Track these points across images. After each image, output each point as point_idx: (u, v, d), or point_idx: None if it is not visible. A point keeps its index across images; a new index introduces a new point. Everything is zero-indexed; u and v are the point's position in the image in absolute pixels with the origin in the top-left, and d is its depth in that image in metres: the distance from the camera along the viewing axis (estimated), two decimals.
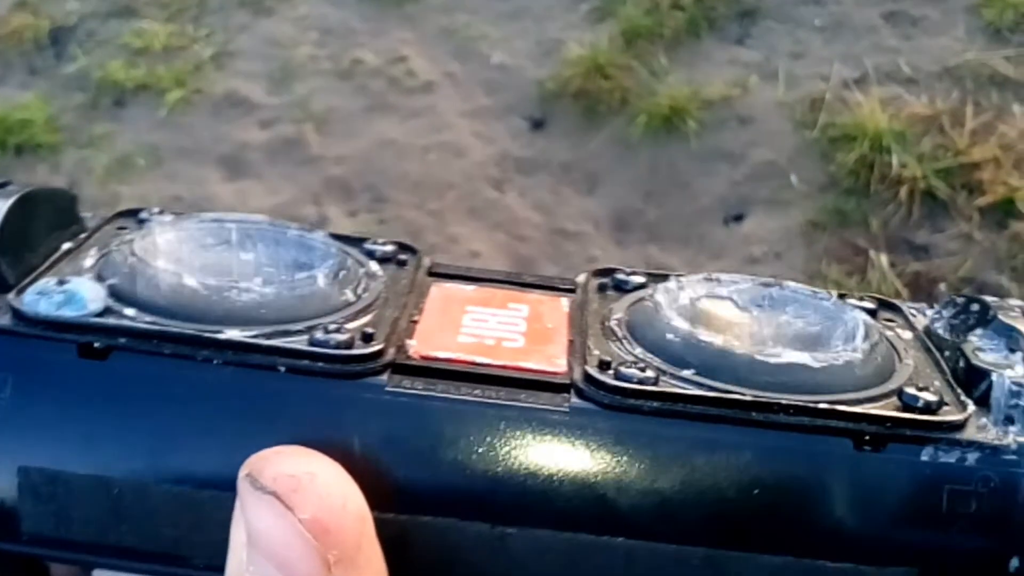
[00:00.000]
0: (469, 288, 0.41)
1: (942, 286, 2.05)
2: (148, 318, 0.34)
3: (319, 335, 0.34)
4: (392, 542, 0.32)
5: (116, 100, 2.74)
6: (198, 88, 2.74)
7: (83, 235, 0.41)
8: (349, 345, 0.34)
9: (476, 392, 0.34)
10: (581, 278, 0.42)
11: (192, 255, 0.38)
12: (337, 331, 0.35)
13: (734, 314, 0.39)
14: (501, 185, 2.45)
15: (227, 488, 0.32)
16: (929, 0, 2.59)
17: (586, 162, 2.46)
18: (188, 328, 0.34)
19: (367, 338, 0.35)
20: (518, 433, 0.33)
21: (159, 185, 2.47)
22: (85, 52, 2.89)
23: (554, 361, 0.36)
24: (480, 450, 0.33)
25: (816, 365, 0.35)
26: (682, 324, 0.36)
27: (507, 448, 0.33)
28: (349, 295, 0.38)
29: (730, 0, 2.69)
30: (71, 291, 0.35)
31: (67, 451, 0.34)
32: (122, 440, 0.34)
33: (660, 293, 0.38)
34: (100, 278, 0.36)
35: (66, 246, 0.40)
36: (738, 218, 2.28)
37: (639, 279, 0.42)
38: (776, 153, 2.35)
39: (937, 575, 0.34)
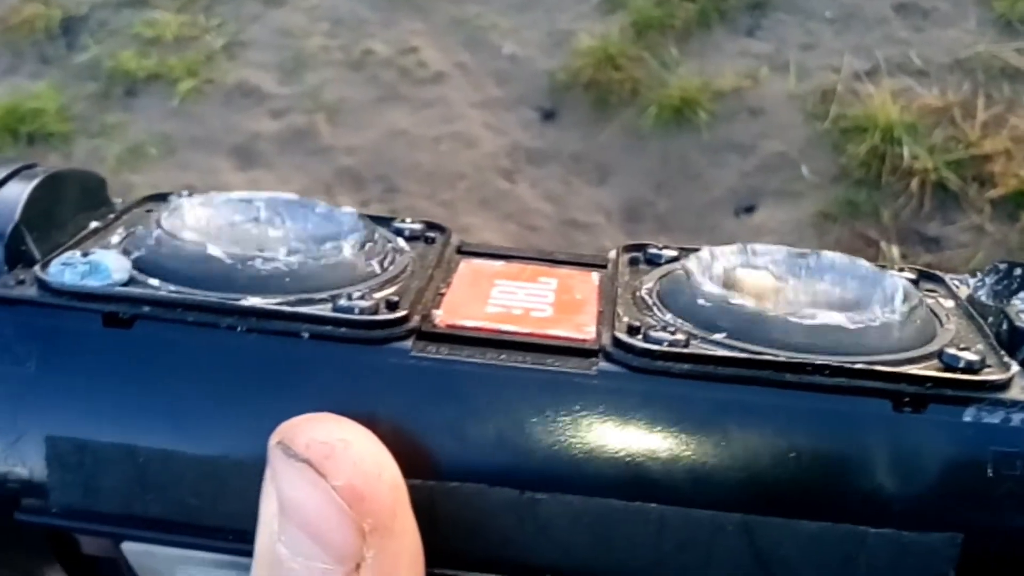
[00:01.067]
0: (498, 264, 0.41)
1: None
2: (172, 287, 0.34)
3: (343, 302, 0.34)
4: (420, 509, 0.31)
5: (128, 90, 2.74)
6: (210, 78, 2.74)
7: (111, 216, 0.41)
8: (374, 312, 0.34)
9: (502, 357, 0.34)
10: (612, 254, 0.42)
11: (219, 229, 0.38)
12: (362, 298, 0.35)
13: (770, 282, 0.38)
14: (512, 176, 2.45)
15: (252, 456, 0.32)
16: None
17: (597, 153, 2.46)
18: (211, 296, 0.34)
19: (392, 305, 0.35)
20: (546, 397, 0.33)
21: (171, 174, 2.47)
22: (97, 42, 2.89)
23: (583, 329, 0.35)
24: (507, 415, 0.33)
25: (852, 327, 0.34)
26: (714, 289, 0.36)
27: (535, 413, 0.33)
28: (375, 266, 0.37)
29: None
30: (95, 261, 0.35)
31: (93, 420, 0.34)
32: (147, 408, 0.33)
33: (692, 261, 0.38)
34: (125, 252, 0.36)
35: (93, 225, 0.40)
36: (749, 209, 2.28)
37: (671, 253, 0.41)
38: (787, 144, 2.35)
39: (982, 540, 0.32)
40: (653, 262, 0.41)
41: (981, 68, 2.40)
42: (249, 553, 0.31)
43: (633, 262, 0.41)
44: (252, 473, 0.31)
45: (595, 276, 0.40)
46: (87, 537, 0.36)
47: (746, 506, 0.32)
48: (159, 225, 0.37)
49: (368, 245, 0.38)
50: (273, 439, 0.30)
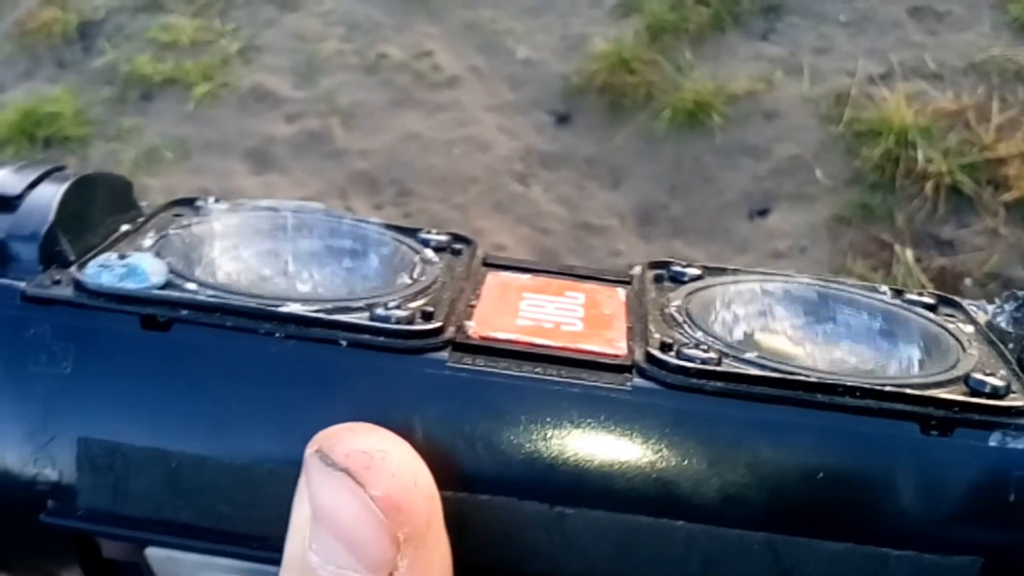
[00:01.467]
0: (524, 277, 0.41)
1: (967, 281, 2.05)
2: (209, 292, 0.34)
3: (380, 311, 0.34)
4: (450, 520, 0.31)
5: (144, 94, 2.76)
6: (225, 82, 2.76)
7: (140, 219, 0.41)
8: (410, 322, 0.34)
9: (537, 371, 0.34)
10: (636, 270, 0.42)
11: (249, 236, 0.39)
12: (397, 308, 0.35)
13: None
14: (526, 179, 2.46)
15: (287, 463, 0.32)
16: None
17: (611, 156, 2.46)
18: (249, 301, 0.34)
19: (427, 316, 0.35)
20: (579, 412, 0.33)
21: (186, 178, 2.48)
22: (113, 46, 2.91)
23: (614, 344, 0.35)
24: (540, 428, 0.33)
25: (883, 350, 0.35)
26: (744, 309, 0.36)
27: (567, 427, 0.33)
28: (406, 278, 0.38)
29: None
30: (133, 264, 0.35)
31: (127, 423, 0.33)
32: (182, 412, 0.33)
33: (720, 282, 0.38)
34: (159, 256, 0.36)
35: (124, 227, 0.40)
36: (763, 212, 2.28)
37: (695, 271, 0.41)
38: (801, 148, 2.35)
39: (1002, 565, 0.33)
40: (677, 279, 0.41)
41: (996, 71, 2.39)
42: (276, 561, 0.31)
43: (658, 279, 0.41)
44: (285, 480, 0.31)
45: (621, 292, 0.40)
46: (109, 541, 0.36)
47: (773, 525, 0.33)
48: (192, 234, 0.37)
49: (397, 257, 0.38)
50: (310, 447, 0.30)
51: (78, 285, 0.34)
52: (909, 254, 2.10)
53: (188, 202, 0.43)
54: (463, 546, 0.32)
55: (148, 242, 0.38)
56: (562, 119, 2.58)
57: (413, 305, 0.36)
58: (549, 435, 0.33)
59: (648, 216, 2.35)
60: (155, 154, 2.56)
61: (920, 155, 2.21)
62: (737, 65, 2.56)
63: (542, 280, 0.41)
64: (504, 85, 2.67)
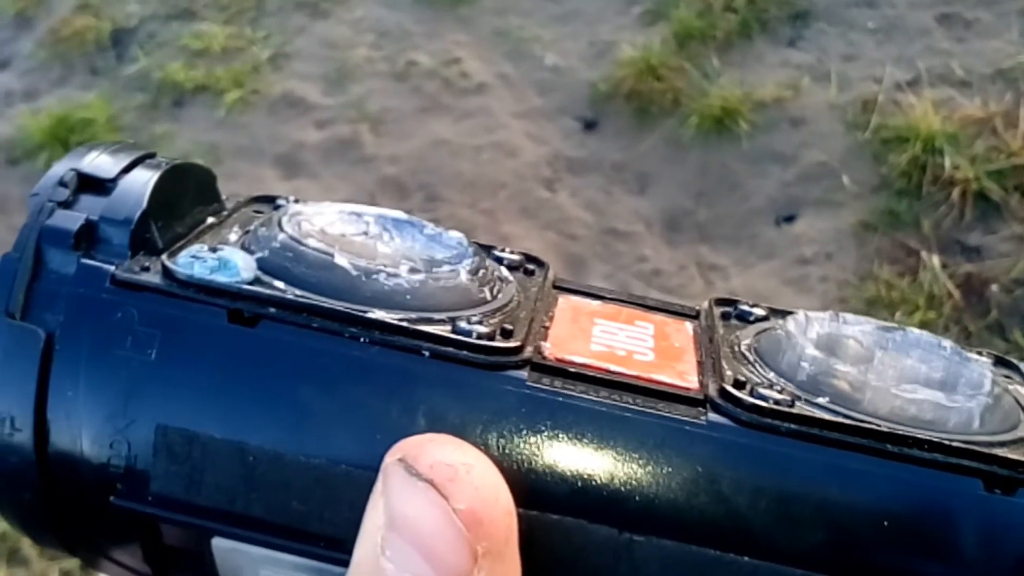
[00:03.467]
0: (595, 303, 0.41)
1: (994, 287, 2.04)
2: (297, 291, 0.35)
3: (462, 324, 0.35)
4: (520, 537, 0.31)
5: (176, 100, 2.79)
6: (256, 89, 2.79)
7: (224, 212, 0.42)
8: (491, 338, 0.35)
9: (614, 397, 0.34)
10: (704, 305, 0.42)
11: (335, 239, 0.38)
12: (479, 323, 0.35)
13: (861, 351, 0.38)
14: (553, 185, 2.47)
15: (363, 466, 0.32)
16: (982, 3, 2.58)
17: (637, 162, 2.47)
18: (337, 305, 0.34)
19: (506, 333, 0.35)
20: (653, 441, 0.33)
21: (218, 184, 2.50)
22: (146, 53, 2.94)
23: (685, 377, 0.36)
24: (614, 454, 0.33)
25: (949, 404, 0.35)
26: (817, 353, 0.36)
27: (641, 455, 0.33)
28: (486, 293, 0.38)
29: (782, 2, 2.69)
30: (225, 258, 0.35)
31: (207, 413, 0.34)
32: (263, 408, 0.33)
33: (791, 324, 0.38)
34: (248, 251, 0.37)
35: (210, 220, 0.41)
36: (789, 219, 2.29)
37: (761, 312, 0.42)
38: (828, 154, 2.35)
39: None
40: (744, 318, 0.42)
41: (1023, 78, 2.39)
42: (342, 562, 0.31)
43: (725, 316, 0.42)
44: (360, 483, 0.32)
45: (688, 326, 0.41)
46: (171, 528, 0.36)
47: (835, 568, 0.33)
48: (282, 229, 0.37)
49: (480, 272, 0.38)
50: (392, 455, 0.31)
51: (168, 273, 0.35)
52: (936, 260, 2.10)
53: (267, 199, 0.44)
54: (531, 564, 0.32)
55: (233, 236, 0.39)
56: (589, 125, 2.59)
57: (493, 321, 0.36)
58: (623, 461, 0.33)
59: (674, 222, 2.35)
60: (187, 160, 2.58)
61: (947, 162, 2.21)
62: (764, 72, 2.57)
63: (612, 307, 0.41)
64: (532, 91, 2.69)
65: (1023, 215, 2.14)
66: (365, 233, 0.39)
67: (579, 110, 2.62)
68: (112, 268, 0.35)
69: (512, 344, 0.35)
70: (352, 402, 0.33)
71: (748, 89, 2.51)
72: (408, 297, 0.35)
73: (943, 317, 2.02)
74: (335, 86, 2.77)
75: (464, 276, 0.37)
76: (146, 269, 0.35)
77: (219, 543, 0.35)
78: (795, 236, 2.25)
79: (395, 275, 0.36)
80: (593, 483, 0.33)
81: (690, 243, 2.31)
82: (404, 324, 0.34)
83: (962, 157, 2.22)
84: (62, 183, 0.37)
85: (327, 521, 0.33)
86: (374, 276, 0.36)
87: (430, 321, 0.35)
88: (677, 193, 2.39)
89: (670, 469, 0.33)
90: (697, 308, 0.43)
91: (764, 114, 2.46)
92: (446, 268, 0.37)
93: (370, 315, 0.34)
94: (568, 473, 0.33)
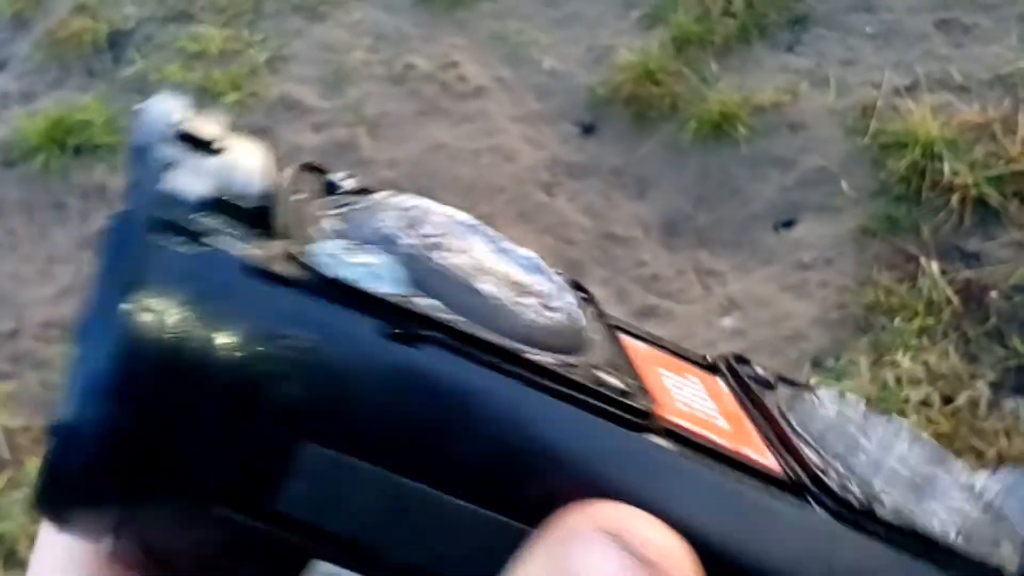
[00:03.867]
0: (640, 344, 0.38)
1: (993, 293, 2.04)
2: (450, 315, 0.30)
3: (602, 375, 0.32)
4: None
5: None
6: (253, 92, 2.78)
7: (281, 186, 0.34)
8: (627, 394, 0.31)
9: (735, 476, 0.32)
10: (719, 361, 0.40)
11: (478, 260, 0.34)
12: (611, 375, 0.32)
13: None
14: (551, 189, 2.47)
15: (511, 515, 0.29)
16: (981, 8, 2.59)
17: (636, 167, 2.47)
18: (502, 341, 0.30)
19: (643, 391, 0.33)
20: (764, 526, 0.32)
21: None
22: (143, 56, 2.94)
23: (763, 453, 0.34)
24: (738, 535, 0.31)
25: None
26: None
27: (750, 537, 0.32)
28: (593, 334, 0.35)
29: (781, 7, 2.69)
30: (374, 265, 0.30)
31: (358, 439, 0.29)
32: (411, 436, 0.29)
33: (827, 400, 0.38)
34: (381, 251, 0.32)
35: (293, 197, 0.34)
36: (788, 224, 2.29)
37: (770, 377, 0.40)
38: (827, 160, 2.35)
39: None
40: (766, 384, 0.39)
41: (1022, 84, 2.39)
42: None
43: (754, 379, 0.39)
44: (507, 533, 0.29)
45: (721, 383, 0.39)
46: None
47: None
48: (404, 234, 0.32)
49: (590, 308, 0.36)
50: (584, 520, 0.29)
51: (307, 268, 0.29)
52: (935, 266, 2.09)
53: (316, 169, 0.37)
54: None
55: (327, 225, 0.32)
56: (587, 130, 2.59)
57: (613, 369, 0.33)
58: (740, 541, 0.32)
59: (673, 227, 2.35)
60: None
61: (946, 167, 2.21)
62: (763, 77, 2.57)
63: (654, 351, 0.39)
64: (530, 96, 2.69)
65: (1022, 221, 2.14)
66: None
67: (577, 114, 2.62)
68: (231, 252, 0.29)
69: (645, 405, 0.32)
70: (503, 446, 0.30)
71: (747, 94, 2.51)
72: (550, 337, 0.32)
73: (942, 323, 2.02)
74: (332, 89, 2.77)
75: (590, 315, 0.35)
76: (271, 259, 0.29)
77: (322, 566, 0.32)
78: (794, 241, 2.25)
79: (542, 311, 0.32)
80: (711, 558, 0.31)
81: (689, 248, 2.31)
82: (561, 371, 0.31)
83: (961, 163, 2.22)
84: (170, 139, 0.31)
85: (452, 564, 0.30)
86: (523, 309, 0.32)
87: (572, 367, 0.31)
88: (676, 198, 2.39)
89: (774, 557, 0.32)
90: (707, 357, 0.40)
91: (763, 119, 2.46)
92: (575, 305, 0.34)
93: (533, 356, 0.30)
94: (703, 553, 0.30)
